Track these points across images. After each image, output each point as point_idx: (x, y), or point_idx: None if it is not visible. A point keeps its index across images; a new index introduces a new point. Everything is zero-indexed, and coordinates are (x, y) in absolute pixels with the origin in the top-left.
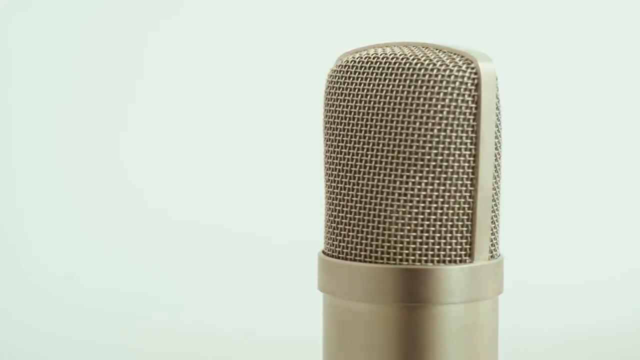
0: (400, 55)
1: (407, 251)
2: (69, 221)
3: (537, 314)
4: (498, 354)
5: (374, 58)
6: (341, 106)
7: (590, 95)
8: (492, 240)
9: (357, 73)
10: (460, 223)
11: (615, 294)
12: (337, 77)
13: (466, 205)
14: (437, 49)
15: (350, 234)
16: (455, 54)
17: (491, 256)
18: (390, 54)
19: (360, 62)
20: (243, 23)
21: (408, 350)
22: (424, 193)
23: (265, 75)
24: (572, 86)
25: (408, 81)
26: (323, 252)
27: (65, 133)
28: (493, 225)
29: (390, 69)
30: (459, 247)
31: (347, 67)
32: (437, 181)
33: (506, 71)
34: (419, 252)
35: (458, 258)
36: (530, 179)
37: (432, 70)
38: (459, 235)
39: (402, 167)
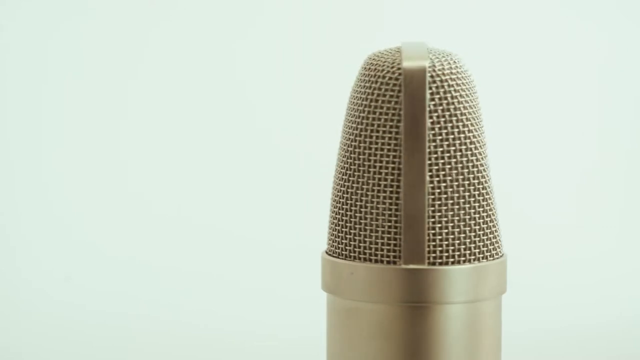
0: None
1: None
2: (69, 221)
3: (538, 314)
4: (501, 353)
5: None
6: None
7: (593, 96)
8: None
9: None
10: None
11: (617, 294)
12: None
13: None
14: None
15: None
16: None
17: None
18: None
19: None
20: (243, 23)
21: (412, 350)
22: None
23: (269, 77)
24: (574, 87)
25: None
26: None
27: (65, 133)
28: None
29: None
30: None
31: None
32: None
33: (506, 71)
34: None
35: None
36: (530, 179)
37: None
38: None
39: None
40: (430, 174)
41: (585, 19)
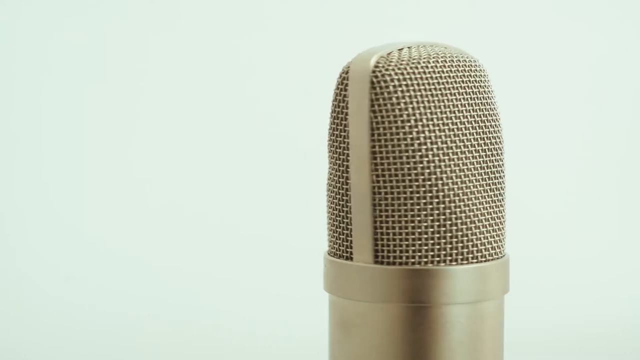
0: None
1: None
2: (70, 221)
3: (540, 314)
4: (504, 353)
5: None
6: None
7: (591, 96)
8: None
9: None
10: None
11: (619, 293)
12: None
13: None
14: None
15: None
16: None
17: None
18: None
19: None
20: (248, 23)
21: (413, 350)
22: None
23: (271, 76)
24: (573, 86)
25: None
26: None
27: (67, 132)
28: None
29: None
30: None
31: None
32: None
33: (505, 71)
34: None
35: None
36: (530, 179)
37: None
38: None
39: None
40: (375, 173)
41: (586, 17)
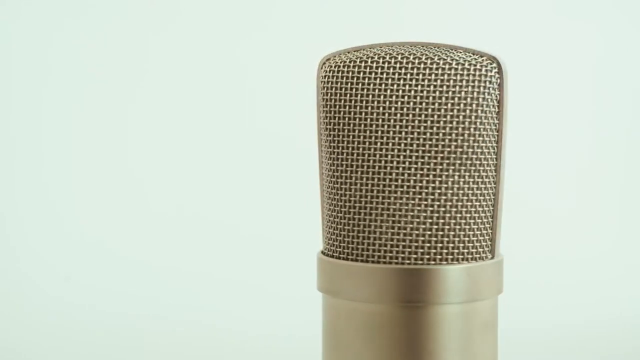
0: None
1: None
2: (70, 221)
3: (539, 314)
4: (498, 353)
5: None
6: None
7: (590, 96)
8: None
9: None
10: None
11: (617, 293)
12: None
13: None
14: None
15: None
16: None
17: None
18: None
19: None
20: (245, 23)
21: (407, 350)
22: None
23: (265, 75)
24: (571, 86)
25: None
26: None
27: (66, 132)
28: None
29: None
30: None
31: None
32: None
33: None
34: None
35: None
36: (530, 179)
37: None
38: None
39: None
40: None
41: (587, 17)
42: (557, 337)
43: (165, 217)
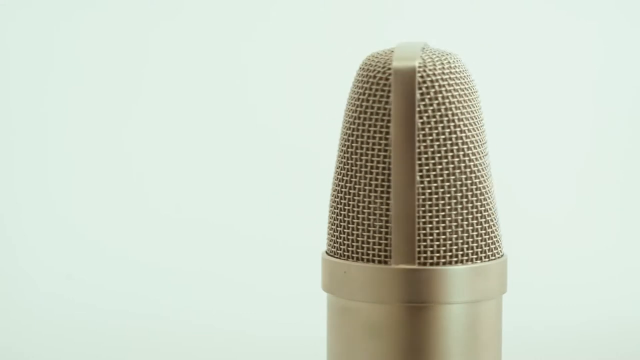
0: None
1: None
2: (71, 220)
3: (539, 314)
4: (502, 353)
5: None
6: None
7: (589, 96)
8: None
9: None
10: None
11: (618, 293)
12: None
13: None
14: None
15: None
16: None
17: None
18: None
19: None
20: (247, 23)
21: (411, 350)
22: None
23: (270, 75)
24: (571, 86)
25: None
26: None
27: (67, 131)
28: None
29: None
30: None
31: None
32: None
33: (504, 70)
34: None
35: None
36: (531, 179)
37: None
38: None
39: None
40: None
41: (587, 17)
42: (558, 337)
43: (166, 216)
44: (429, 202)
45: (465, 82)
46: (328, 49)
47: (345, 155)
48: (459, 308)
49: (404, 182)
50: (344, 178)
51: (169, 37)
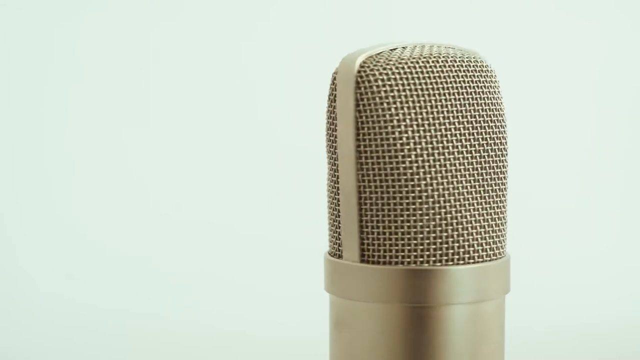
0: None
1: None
2: (71, 220)
3: (540, 314)
4: (504, 353)
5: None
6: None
7: (590, 97)
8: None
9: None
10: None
11: (620, 293)
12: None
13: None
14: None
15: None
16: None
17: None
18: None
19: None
20: (248, 23)
21: (414, 350)
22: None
23: (272, 75)
24: (572, 86)
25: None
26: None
27: (67, 131)
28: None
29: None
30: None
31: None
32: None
33: (504, 70)
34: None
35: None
36: (531, 179)
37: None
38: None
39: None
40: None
41: (588, 17)
42: (558, 337)
43: (166, 216)
44: (369, 202)
45: (417, 85)
46: (328, 49)
47: (331, 156)
48: (462, 308)
49: (347, 181)
50: (332, 179)
51: (169, 37)
